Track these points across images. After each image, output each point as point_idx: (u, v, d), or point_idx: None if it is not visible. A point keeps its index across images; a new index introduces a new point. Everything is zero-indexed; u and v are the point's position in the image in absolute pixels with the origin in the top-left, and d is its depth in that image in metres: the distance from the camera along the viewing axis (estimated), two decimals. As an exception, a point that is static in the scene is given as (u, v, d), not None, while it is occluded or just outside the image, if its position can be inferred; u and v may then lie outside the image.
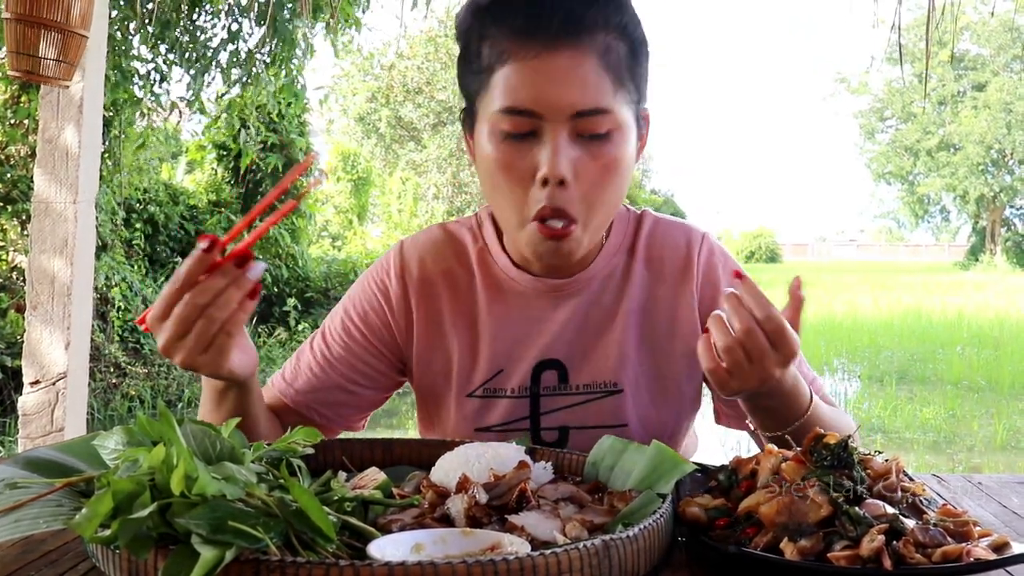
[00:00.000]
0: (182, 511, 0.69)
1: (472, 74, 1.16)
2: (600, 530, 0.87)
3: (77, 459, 0.91)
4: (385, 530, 0.85)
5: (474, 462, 0.99)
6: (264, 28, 5.70)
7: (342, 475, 1.02)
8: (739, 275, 1.06)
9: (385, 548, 0.77)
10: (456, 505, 0.88)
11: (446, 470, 0.99)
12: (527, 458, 1.00)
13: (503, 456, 1.00)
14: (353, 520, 0.82)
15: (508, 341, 1.27)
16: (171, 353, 0.99)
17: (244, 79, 6.08)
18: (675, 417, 1.30)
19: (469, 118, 1.20)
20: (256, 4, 5.63)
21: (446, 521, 0.88)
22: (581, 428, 1.26)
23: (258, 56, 5.97)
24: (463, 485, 0.91)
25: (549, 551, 0.71)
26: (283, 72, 6.12)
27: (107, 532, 0.68)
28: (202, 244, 0.96)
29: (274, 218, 1.02)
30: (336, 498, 0.86)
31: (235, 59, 5.99)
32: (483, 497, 0.88)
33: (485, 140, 1.15)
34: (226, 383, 1.10)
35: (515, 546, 0.78)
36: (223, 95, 6.42)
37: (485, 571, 0.69)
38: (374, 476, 0.99)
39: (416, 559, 0.72)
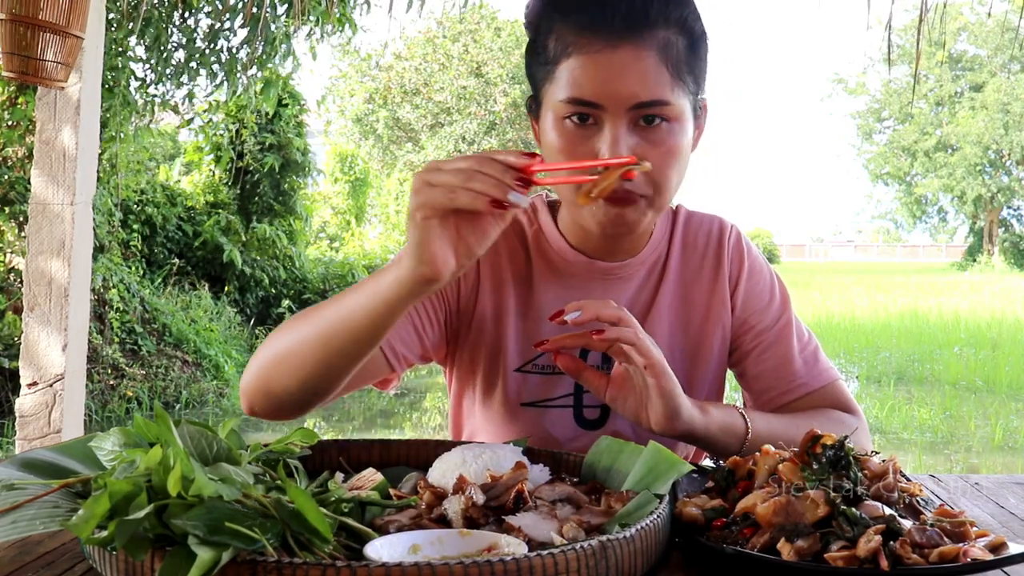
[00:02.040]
0: (179, 512, 0.69)
1: (539, 64, 1.23)
2: (597, 531, 0.87)
3: (74, 460, 0.91)
4: (382, 531, 0.85)
5: (471, 463, 0.99)
6: (248, 29, 5.68)
7: (339, 476, 1.02)
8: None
9: (382, 549, 0.77)
10: (453, 506, 0.88)
11: (443, 471, 0.99)
12: (524, 459, 1.00)
13: (500, 457, 1.00)
14: (350, 521, 0.82)
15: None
16: (416, 180, 0.94)
17: (225, 80, 6.06)
18: (704, 396, 1.36)
19: (535, 105, 1.27)
20: (241, 5, 5.61)
21: (443, 522, 0.88)
22: None
23: (241, 56, 5.95)
24: (460, 486, 0.91)
25: (546, 552, 0.71)
26: (263, 73, 6.09)
27: (104, 533, 0.68)
28: (529, 153, 0.94)
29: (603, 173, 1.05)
30: (333, 499, 0.86)
31: (218, 59, 5.97)
32: (480, 498, 0.88)
33: (549, 126, 1.21)
34: (398, 264, 0.99)
35: (512, 547, 0.78)
36: (210, 95, 6.41)
37: (482, 572, 0.68)
38: (371, 477, 0.99)
39: (413, 560, 0.72)
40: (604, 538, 0.75)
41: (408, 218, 0.96)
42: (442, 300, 1.32)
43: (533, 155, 0.93)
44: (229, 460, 0.83)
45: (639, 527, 0.79)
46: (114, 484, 0.70)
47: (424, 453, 1.13)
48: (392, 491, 0.97)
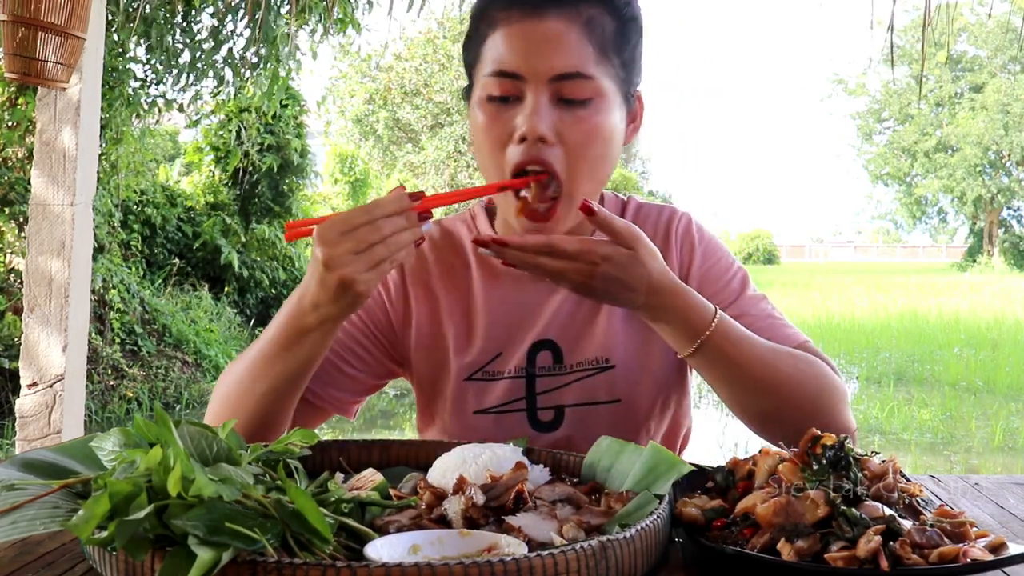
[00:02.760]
0: (179, 512, 0.69)
1: (471, 47, 1.24)
2: (597, 531, 0.87)
3: (74, 461, 0.91)
4: (382, 531, 0.85)
5: (471, 463, 0.99)
6: (251, 30, 5.67)
7: (339, 476, 1.02)
8: (585, 209, 1.09)
9: (382, 549, 0.77)
10: (453, 506, 0.88)
11: (443, 471, 0.99)
12: (524, 459, 1.00)
13: (500, 457, 1.00)
14: (350, 521, 0.82)
15: (504, 325, 1.31)
16: (340, 265, 1.01)
17: (230, 81, 6.06)
18: (664, 390, 1.33)
19: (469, 93, 1.27)
20: (244, 5, 5.61)
21: (443, 522, 0.88)
22: (576, 406, 1.29)
23: (244, 57, 5.94)
24: (460, 486, 0.91)
25: (547, 552, 0.71)
26: (267, 74, 6.08)
27: (104, 534, 0.68)
28: (409, 193, 1.04)
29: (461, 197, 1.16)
30: (333, 499, 0.86)
31: (225, 61, 5.97)
32: (480, 498, 0.88)
33: (476, 106, 1.21)
34: (323, 320, 1.08)
35: (512, 547, 0.79)
36: (216, 95, 6.40)
37: (482, 572, 0.68)
38: (371, 477, 0.99)
39: (413, 560, 0.72)
40: (604, 538, 0.75)
41: (336, 284, 1.03)
42: (373, 338, 1.34)
43: (416, 195, 1.04)
44: (229, 460, 0.83)
45: (639, 527, 0.79)
46: (114, 484, 0.70)
47: (424, 453, 1.13)
48: (392, 491, 0.97)
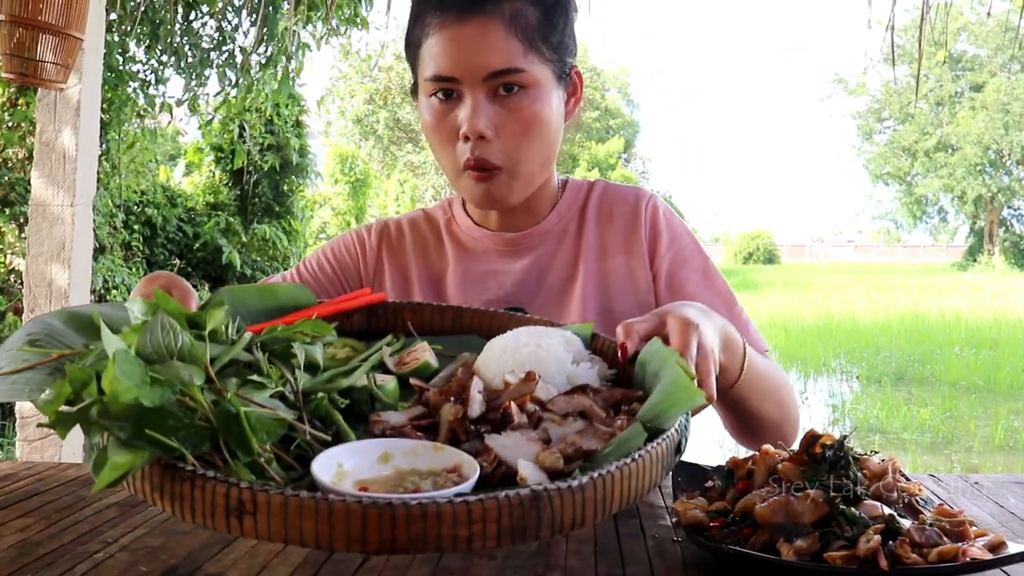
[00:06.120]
0: (110, 411, 0.69)
1: (410, 51, 1.31)
2: (586, 458, 0.81)
3: (115, 321, 0.90)
4: (369, 429, 0.87)
5: (510, 355, 0.96)
6: (258, 29, 5.67)
7: (387, 350, 1.02)
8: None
9: (347, 455, 0.79)
10: (445, 414, 0.88)
11: (486, 359, 0.98)
12: (561, 359, 0.95)
13: (543, 353, 0.95)
14: (333, 425, 0.84)
15: (473, 291, 1.39)
16: None
17: (238, 80, 6.06)
18: None
19: (415, 90, 1.35)
20: (249, 3, 5.60)
21: (432, 431, 0.88)
22: None
23: (253, 57, 5.94)
24: (460, 391, 0.91)
25: (460, 500, 0.65)
26: (277, 73, 6.07)
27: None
28: None
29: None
30: (319, 394, 0.87)
31: (230, 60, 5.97)
32: (476, 411, 0.88)
33: (423, 106, 1.30)
34: None
35: (469, 469, 0.77)
36: (217, 94, 6.39)
37: (382, 513, 0.63)
38: (420, 354, 1.01)
39: (310, 495, 0.66)
40: (543, 487, 0.67)
41: None
42: (337, 282, 1.44)
43: None
44: (189, 358, 0.79)
45: (591, 476, 0.69)
46: (72, 371, 0.71)
47: (496, 324, 1.14)
48: (414, 382, 0.95)
